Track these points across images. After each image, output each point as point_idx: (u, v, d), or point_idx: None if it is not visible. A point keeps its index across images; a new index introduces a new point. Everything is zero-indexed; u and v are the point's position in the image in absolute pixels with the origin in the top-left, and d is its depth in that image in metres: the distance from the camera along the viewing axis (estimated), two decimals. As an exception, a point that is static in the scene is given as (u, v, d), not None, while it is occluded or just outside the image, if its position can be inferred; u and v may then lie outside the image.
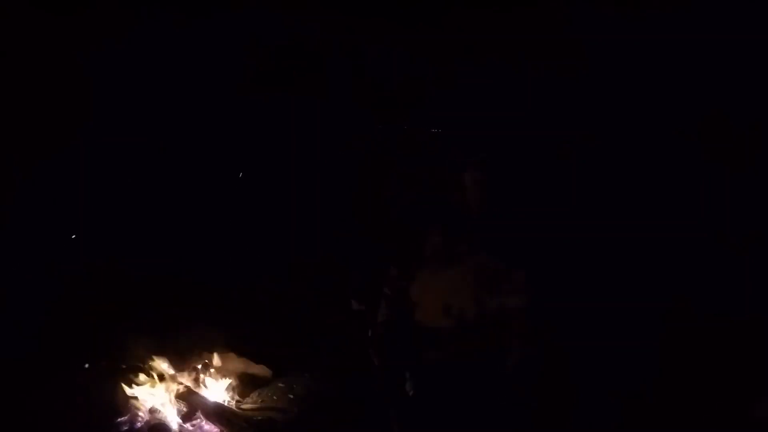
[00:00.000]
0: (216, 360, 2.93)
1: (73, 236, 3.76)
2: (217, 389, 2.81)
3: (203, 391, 2.76)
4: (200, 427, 2.61)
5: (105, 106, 3.92)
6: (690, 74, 3.09)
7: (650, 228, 2.90)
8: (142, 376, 2.70)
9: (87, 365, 2.87)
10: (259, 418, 2.70)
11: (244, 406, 2.80)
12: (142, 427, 2.59)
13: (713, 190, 2.95)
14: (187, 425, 2.61)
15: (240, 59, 4.01)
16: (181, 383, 2.73)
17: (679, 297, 2.71)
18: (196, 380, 2.81)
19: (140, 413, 2.64)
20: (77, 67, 3.85)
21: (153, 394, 2.66)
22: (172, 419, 2.62)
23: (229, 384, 2.86)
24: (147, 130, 3.97)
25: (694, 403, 2.27)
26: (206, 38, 3.91)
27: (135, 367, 2.73)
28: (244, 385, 2.90)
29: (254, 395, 2.88)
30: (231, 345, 3.03)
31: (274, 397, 2.89)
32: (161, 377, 2.71)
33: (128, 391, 2.66)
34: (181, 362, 2.84)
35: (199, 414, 2.63)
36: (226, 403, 2.76)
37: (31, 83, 3.72)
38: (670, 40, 3.09)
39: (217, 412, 2.62)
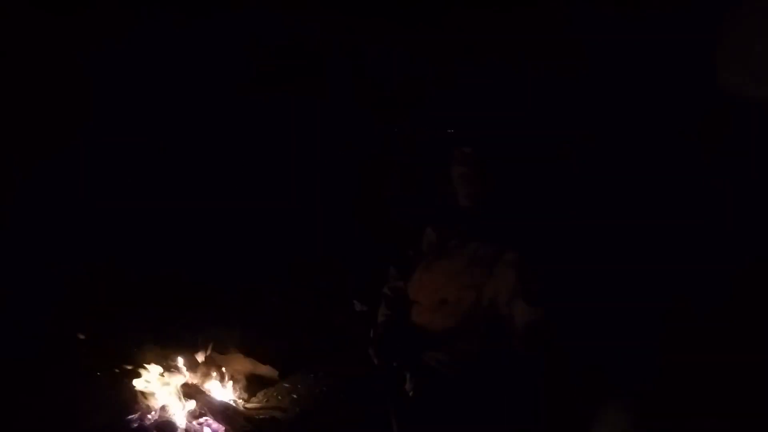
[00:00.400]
0: (224, 360, 2.97)
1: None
2: (224, 389, 2.84)
3: (211, 391, 2.79)
4: (208, 425, 2.64)
5: (105, 106, 3.92)
6: (690, 74, 3.09)
7: (650, 228, 2.90)
8: (151, 375, 2.73)
9: (100, 365, 2.89)
10: (262, 416, 2.73)
11: (248, 406, 2.83)
12: (150, 424, 2.62)
13: (713, 190, 2.95)
14: (194, 423, 2.64)
15: (240, 59, 4.01)
16: (190, 382, 2.76)
17: (679, 297, 2.71)
18: (204, 380, 2.84)
19: (150, 411, 2.67)
20: (77, 67, 3.85)
21: (162, 392, 2.70)
22: (180, 417, 2.65)
23: (236, 384, 2.90)
24: (147, 130, 3.98)
25: (694, 403, 2.27)
26: (206, 38, 3.91)
27: (145, 366, 2.75)
28: (251, 385, 2.94)
29: (260, 395, 2.91)
30: (239, 346, 3.06)
31: (279, 397, 2.92)
32: (171, 376, 2.74)
33: (138, 389, 2.69)
34: (190, 362, 2.87)
35: (205, 412, 2.66)
36: (232, 403, 2.79)
37: (31, 83, 3.72)
38: (670, 40, 3.09)
39: (221, 411, 2.65)
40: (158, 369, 2.76)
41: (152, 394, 2.70)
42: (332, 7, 3.78)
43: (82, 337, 2.94)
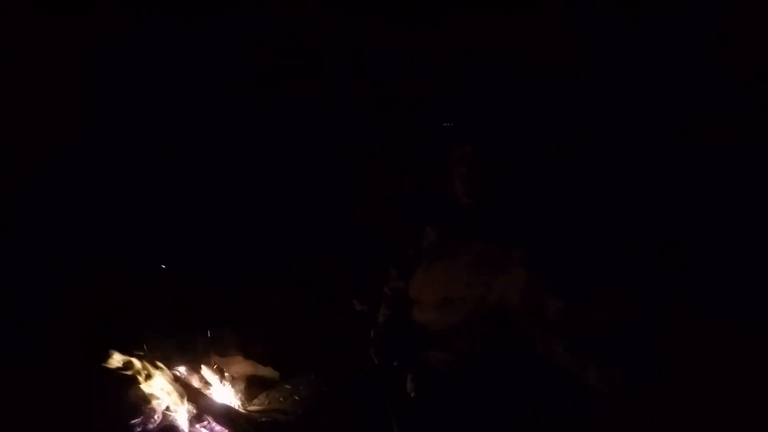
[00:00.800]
0: (225, 362, 2.96)
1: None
2: (225, 391, 2.84)
3: (212, 393, 2.79)
4: (210, 428, 2.64)
5: (105, 106, 3.92)
6: (690, 74, 3.09)
7: (650, 228, 2.90)
8: (154, 378, 2.73)
9: (101, 368, 2.89)
10: (263, 419, 2.73)
11: (250, 408, 2.82)
12: (153, 428, 2.62)
13: (713, 190, 2.95)
14: (197, 426, 2.64)
15: (240, 59, 4.01)
16: (191, 385, 2.76)
17: (679, 297, 2.71)
18: (206, 383, 2.84)
19: (153, 415, 2.67)
20: (77, 67, 3.85)
21: (164, 396, 2.70)
22: (183, 421, 2.65)
23: (238, 386, 2.89)
24: (147, 130, 3.97)
25: (694, 403, 2.27)
26: (206, 38, 3.91)
27: (147, 369, 2.75)
28: (253, 387, 2.93)
29: (262, 397, 2.91)
30: (240, 348, 3.06)
31: (281, 399, 2.92)
32: (173, 379, 2.74)
33: (141, 393, 2.69)
34: (191, 365, 2.87)
35: (207, 415, 2.66)
36: (234, 405, 2.78)
37: (31, 83, 3.72)
38: (670, 40, 3.09)
39: (223, 414, 2.65)
40: (160, 372, 2.76)
41: (154, 397, 2.70)
42: (332, 7, 3.78)
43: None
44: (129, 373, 2.73)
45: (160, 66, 3.91)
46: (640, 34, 3.14)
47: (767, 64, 2.93)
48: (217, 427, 2.62)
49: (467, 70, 3.65)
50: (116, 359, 2.78)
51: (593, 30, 3.24)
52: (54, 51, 3.76)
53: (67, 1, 3.74)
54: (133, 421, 2.63)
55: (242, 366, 2.96)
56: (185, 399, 2.68)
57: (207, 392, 2.77)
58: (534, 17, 3.38)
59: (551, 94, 3.33)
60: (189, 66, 3.94)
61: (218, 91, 4.03)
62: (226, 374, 2.90)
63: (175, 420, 2.64)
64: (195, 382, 2.79)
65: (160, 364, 2.79)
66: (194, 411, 2.66)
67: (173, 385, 2.69)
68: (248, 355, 3.03)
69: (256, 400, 2.87)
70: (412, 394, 2.12)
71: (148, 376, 2.72)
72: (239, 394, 2.85)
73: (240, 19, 3.90)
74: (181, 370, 2.83)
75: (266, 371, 3.01)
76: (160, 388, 2.69)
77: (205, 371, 2.86)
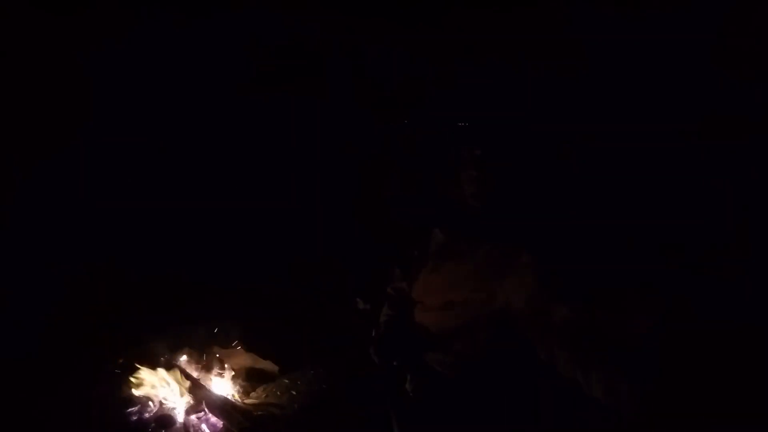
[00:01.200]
0: (225, 354, 2.97)
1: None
2: (223, 383, 2.85)
3: (210, 385, 2.80)
4: (206, 420, 2.64)
5: (105, 106, 3.92)
6: (690, 74, 3.09)
7: (650, 228, 2.90)
8: (152, 369, 2.74)
9: (100, 360, 2.90)
10: (259, 412, 2.73)
11: (247, 401, 2.82)
12: (149, 417, 2.63)
13: (713, 190, 2.95)
14: (193, 417, 2.65)
15: (240, 59, 4.01)
16: (190, 376, 2.77)
17: (679, 297, 2.71)
18: (204, 374, 2.85)
19: (150, 404, 2.68)
20: (77, 67, 3.85)
21: (162, 386, 2.71)
22: (179, 411, 2.66)
23: (236, 379, 2.90)
24: (147, 130, 3.98)
25: (694, 403, 2.27)
26: (206, 38, 3.91)
27: (146, 360, 2.76)
28: (251, 380, 2.94)
29: (259, 390, 2.91)
30: (240, 340, 3.07)
31: (278, 393, 2.92)
32: (171, 369, 2.75)
33: (138, 382, 2.70)
34: (192, 357, 2.88)
35: (204, 407, 2.67)
36: (231, 398, 2.79)
37: (31, 83, 3.72)
38: (670, 40, 3.09)
39: (219, 406, 2.66)
40: (158, 363, 2.77)
41: (152, 387, 2.71)
42: (332, 7, 3.79)
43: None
44: (127, 364, 2.74)
45: (160, 66, 3.91)
46: (640, 34, 3.14)
47: (767, 64, 2.93)
48: (213, 418, 2.63)
49: (467, 70, 3.65)
50: (116, 351, 2.79)
51: (593, 30, 3.24)
52: (54, 51, 3.76)
53: (67, 1, 3.74)
54: (129, 410, 2.64)
55: (242, 358, 2.97)
56: (183, 389, 2.69)
57: (205, 383, 2.78)
58: (534, 17, 3.38)
59: (551, 94, 3.33)
60: (189, 66, 3.94)
61: (218, 91, 4.03)
62: (226, 366, 2.90)
63: (172, 410, 2.65)
64: (194, 373, 2.80)
65: (159, 355, 2.80)
66: (191, 401, 2.66)
67: (171, 375, 2.70)
68: (248, 348, 3.03)
69: (253, 394, 2.88)
70: (412, 394, 2.12)
71: (147, 366, 2.72)
72: (237, 387, 2.86)
73: (240, 19, 3.91)
74: (181, 359, 2.84)
75: (266, 365, 3.01)
76: (157, 377, 2.70)
77: (205, 362, 2.87)
